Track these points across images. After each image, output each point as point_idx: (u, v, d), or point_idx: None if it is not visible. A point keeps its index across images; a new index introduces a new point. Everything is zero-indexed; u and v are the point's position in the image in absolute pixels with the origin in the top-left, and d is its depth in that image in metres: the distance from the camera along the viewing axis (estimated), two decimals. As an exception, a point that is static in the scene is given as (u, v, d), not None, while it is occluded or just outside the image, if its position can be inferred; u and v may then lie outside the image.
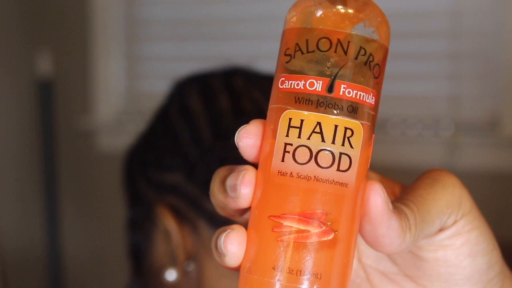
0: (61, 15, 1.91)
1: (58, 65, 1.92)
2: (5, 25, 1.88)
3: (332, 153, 0.33)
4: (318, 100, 0.33)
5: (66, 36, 1.92)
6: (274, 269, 0.32)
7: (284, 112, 0.33)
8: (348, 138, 0.33)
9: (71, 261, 1.95)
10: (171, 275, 0.62)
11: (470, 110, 1.52)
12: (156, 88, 1.24)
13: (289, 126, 0.33)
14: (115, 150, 1.44)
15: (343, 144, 0.33)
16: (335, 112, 0.33)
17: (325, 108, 0.33)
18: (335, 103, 0.33)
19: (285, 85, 0.34)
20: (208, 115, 0.65)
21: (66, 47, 1.92)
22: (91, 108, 1.87)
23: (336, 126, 0.33)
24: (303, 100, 0.33)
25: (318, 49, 0.33)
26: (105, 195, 1.80)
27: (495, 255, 0.38)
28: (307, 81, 0.33)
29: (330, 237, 0.33)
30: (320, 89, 0.33)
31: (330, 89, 0.33)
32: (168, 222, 0.62)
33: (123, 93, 1.87)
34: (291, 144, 0.33)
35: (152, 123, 0.71)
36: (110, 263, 1.76)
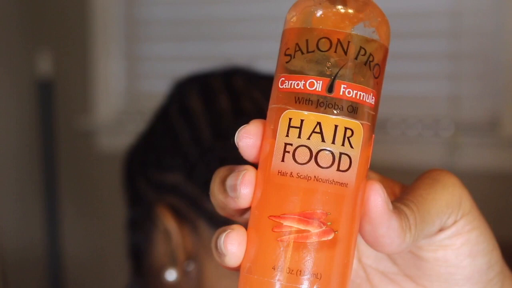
0: (61, 15, 1.91)
1: (58, 65, 1.92)
2: (5, 25, 1.88)
3: (332, 153, 0.33)
4: (318, 100, 0.33)
5: (66, 36, 1.92)
6: (274, 269, 0.32)
7: (284, 112, 0.33)
8: (348, 138, 0.33)
9: (71, 261, 1.95)
10: (171, 275, 0.62)
11: (470, 110, 1.52)
12: (156, 88, 1.24)
13: (289, 126, 0.33)
14: (115, 150, 1.44)
15: (343, 144, 0.33)
16: (335, 112, 0.33)
17: (325, 108, 0.33)
18: (335, 103, 0.33)
19: (285, 85, 0.34)
20: (208, 115, 0.65)
21: (66, 47, 1.92)
22: (91, 108, 1.87)
23: (336, 126, 0.33)
24: (303, 100, 0.33)
25: (318, 49, 0.33)
26: (105, 195, 1.80)
27: (495, 255, 0.38)
28: (307, 81, 0.33)
29: (330, 237, 0.33)
30: (320, 89, 0.33)
31: (330, 89, 0.33)
32: (168, 222, 0.62)
33: (123, 93, 1.87)
34: (291, 144, 0.33)
35: (152, 123, 0.71)
36: (110, 263, 1.76)
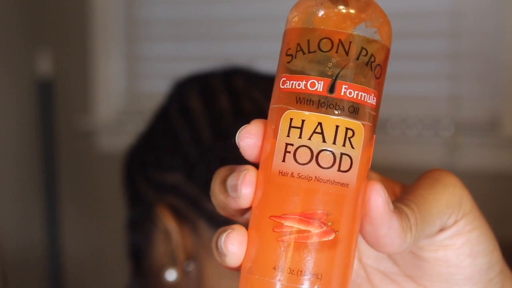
0: (61, 15, 1.91)
1: (58, 65, 1.92)
2: (5, 25, 1.88)
3: (333, 154, 0.33)
4: (319, 100, 0.33)
5: (66, 36, 1.92)
6: (274, 269, 0.32)
7: (285, 112, 0.33)
8: (349, 138, 0.33)
9: (71, 261, 1.95)
10: (171, 275, 0.62)
11: (470, 110, 1.52)
12: (156, 88, 1.24)
13: (290, 126, 0.33)
14: (115, 150, 1.44)
15: (344, 145, 0.33)
16: (336, 112, 0.33)
17: (326, 109, 0.33)
18: (336, 103, 0.33)
19: (286, 85, 0.34)
20: (208, 115, 0.65)
21: (66, 47, 1.92)
22: (91, 108, 1.87)
23: (337, 127, 0.33)
24: (304, 100, 0.33)
25: (320, 49, 0.33)
26: (105, 195, 1.80)
27: (496, 255, 0.38)
28: (308, 81, 0.33)
29: (331, 237, 0.33)
30: (321, 90, 0.33)
31: (331, 89, 0.33)
32: (168, 222, 0.62)
33: (123, 93, 1.87)
34: (292, 144, 0.33)
35: (152, 123, 0.71)
36: (110, 263, 1.75)
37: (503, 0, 1.48)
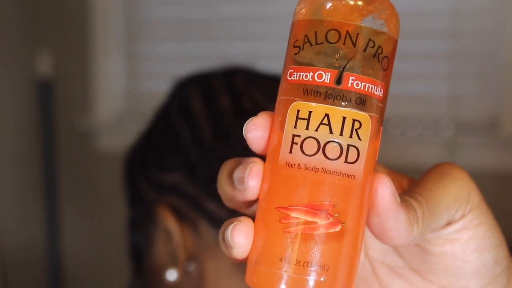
0: (61, 15, 1.91)
1: (58, 65, 1.92)
2: (5, 25, 1.88)
3: (340, 145, 0.33)
4: (326, 92, 0.33)
5: (66, 36, 1.91)
6: (281, 260, 0.33)
7: (292, 104, 0.33)
8: (356, 130, 0.33)
9: (71, 261, 1.95)
10: (171, 275, 0.62)
11: (470, 110, 1.52)
12: (156, 88, 1.24)
13: (297, 118, 0.33)
14: (115, 150, 1.43)
15: (351, 136, 0.33)
16: (343, 104, 0.33)
17: (333, 100, 0.33)
18: (343, 95, 0.33)
19: (294, 77, 0.34)
20: (209, 115, 0.65)
21: (66, 47, 1.92)
22: (91, 108, 1.87)
23: (344, 118, 0.33)
24: (312, 92, 0.33)
25: (327, 41, 0.33)
26: (105, 195, 1.79)
27: (502, 251, 0.38)
28: (315, 72, 0.33)
29: (338, 228, 0.33)
30: (328, 81, 0.33)
31: (339, 81, 0.33)
32: (169, 222, 0.62)
33: (123, 93, 1.87)
34: (299, 136, 0.33)
35: (153, 123, 0.71)
36: (110, 263, 1.75)
37: (503, 0, 1.48)
